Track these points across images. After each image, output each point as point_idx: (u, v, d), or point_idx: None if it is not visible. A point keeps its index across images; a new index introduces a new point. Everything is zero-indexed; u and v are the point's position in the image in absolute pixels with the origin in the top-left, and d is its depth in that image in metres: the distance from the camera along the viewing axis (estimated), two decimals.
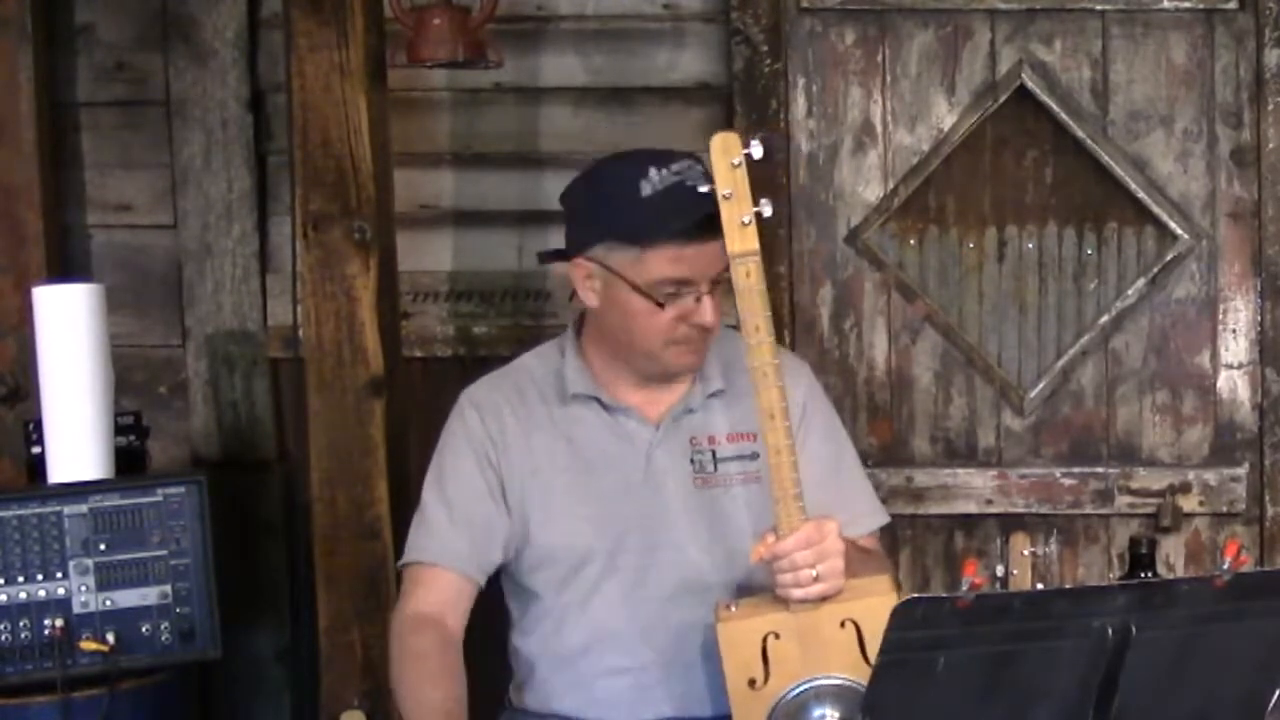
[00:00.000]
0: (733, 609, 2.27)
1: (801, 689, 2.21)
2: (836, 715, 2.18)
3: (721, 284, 2.38)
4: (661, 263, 2.35)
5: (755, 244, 2.19)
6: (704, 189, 2.31)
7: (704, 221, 2.31)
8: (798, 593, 2.22)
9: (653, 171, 2.38)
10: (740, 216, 2.18)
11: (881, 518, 2.59)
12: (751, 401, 2.51)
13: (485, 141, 3.28)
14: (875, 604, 2.16)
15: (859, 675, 2.15)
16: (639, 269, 2.37)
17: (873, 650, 2.11)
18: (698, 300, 2.37)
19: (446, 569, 2.47)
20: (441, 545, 2.48)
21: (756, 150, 2.18)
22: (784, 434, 2.22)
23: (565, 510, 2.47)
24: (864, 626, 2.19)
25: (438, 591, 2.47)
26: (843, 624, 2.20)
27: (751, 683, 2.22)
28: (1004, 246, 3.29)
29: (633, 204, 2.36)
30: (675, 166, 2.39)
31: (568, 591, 2.48)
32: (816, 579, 2.21)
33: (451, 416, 2.55)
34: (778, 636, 2.22)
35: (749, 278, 2.20)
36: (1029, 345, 3.30)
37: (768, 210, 2.19)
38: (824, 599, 2.21)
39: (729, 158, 2.18)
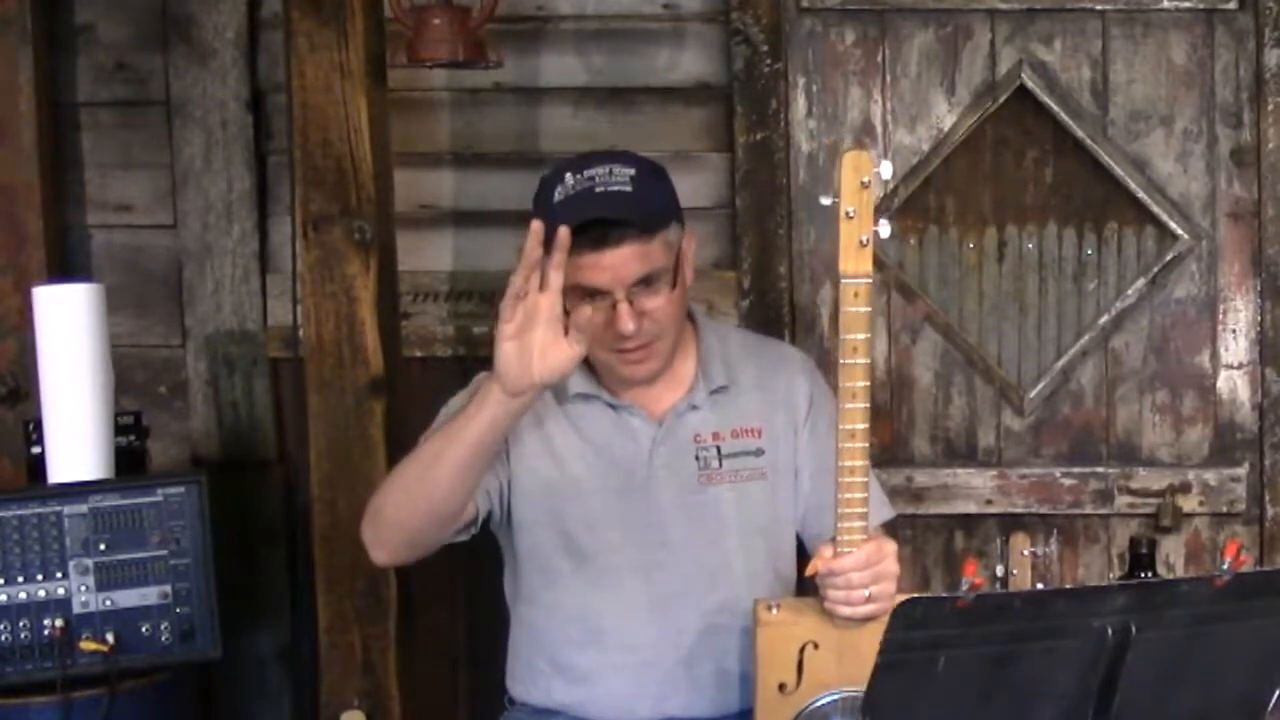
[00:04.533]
0: (774, 611, 2.26)
1: (829, 699, 2.22)
2: None
3: (656, 289, 2.36)
4: (568, 270, 2.28)
5: (869, 266, 2.14)
6: (613, 189, 2.31)
7: (606, 231, 2.30)
8: (846, 610, 2.23)
9: (568, 177, 2.37)
10: (859, 236, 2.13)
11: (887, 512, 2.60)
12: (755, 396, 2.53)
13: (485, 141, 3.28)
14: None
15: None
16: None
17: None
18: (614, 308, 2.35)
19: None
20: None
21: (886, 170, 2.15)
22: (861, 455, 2.20)
23: (576, 501, 2.47)
24: None
25: None
26: None
27: (781, 687, 2.23)
28: (1004, 246, 3.29)
29: (548, 211, 2.33)
30: (590, 171, 2.37)
31: (571, 585, 2.48)
32: (869, 599, 2.22)
33: (464, 390, 2.53)
34: (816, 646, 2.24)
35: (856, 298, 2.15)
36: (1029, 345, 3.30)
37: (885, 231, 2.14)
38: (870, 617, 2.22)
39: (859, 176, 2.12)
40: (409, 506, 2.33)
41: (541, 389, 2.25)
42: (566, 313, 2.37)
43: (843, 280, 2.15)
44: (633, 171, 2.39)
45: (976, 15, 3.23)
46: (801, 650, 2.23)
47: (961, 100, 3.24)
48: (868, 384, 2.19)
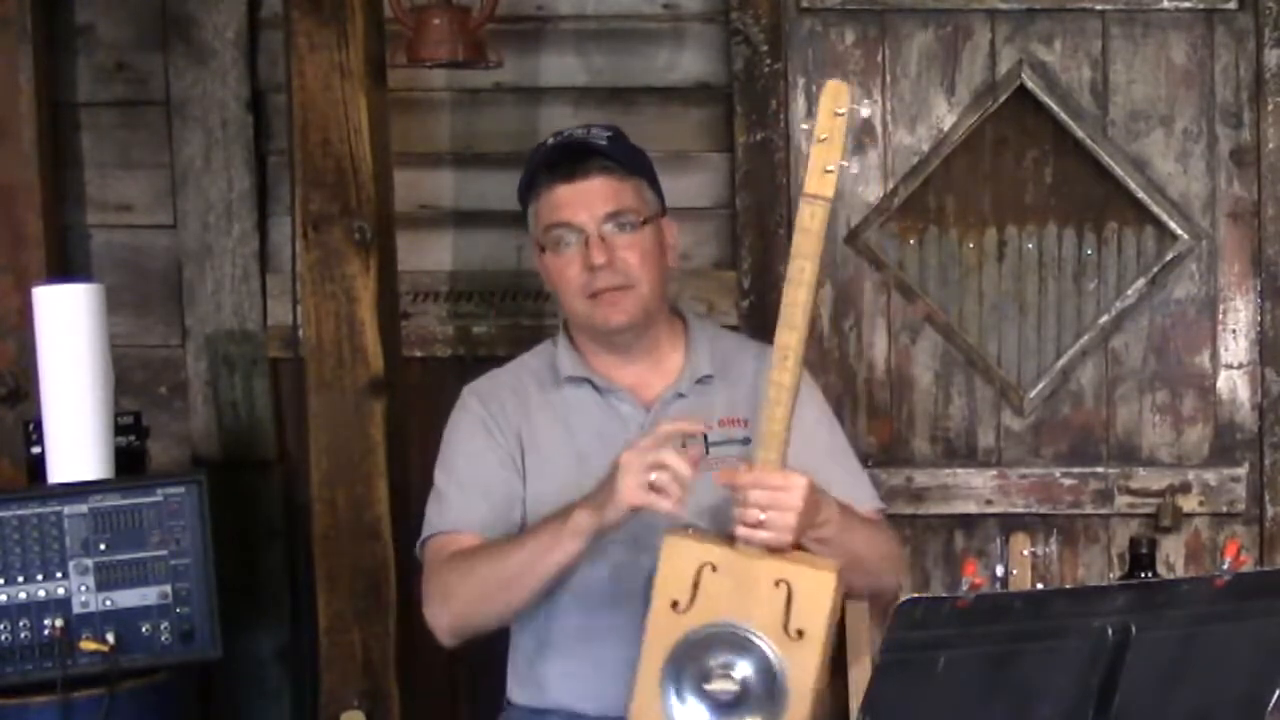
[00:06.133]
0: (689, 531, 2.28)
1: (715, 628, 2.21)
2: (736, 667, 2.18)
3: (628, 231, 2.45)
4: (543, 209, 2.48)
5: (830, 192, 2.19)
6: (590, 141, 2.47)
7: (578, 164, 2.45)
8: (741, 530, 2.23)
9: (549, 139, 2.54)
10: (826, 163, 2.19)
11: (875, 502, 2.60)
12: (743, 388, 2.56)
13: (485, 141, 3.28)
14: (814, 576, 2.19)
15: (775, 638, 2.18)
16: (535, 224, 2.51)
17: (797, 619, 2.17)
18: (588, 244, 2.44)
19: (467, 533, 2.48)
20: (459, 514, 2.50)
21: (864, 109, 2.23)
22: (791, 375, 2.21)
23: (560, 492, 2.48)
24: (796, 593, 2.19)
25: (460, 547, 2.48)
26: (778, 583, 2.20)
27: (675, 604, 2.23)
28: (1004, 246, 3.29)
29: (530, 167, 2.53)
30: (573, 129, 2.54)
31: (566, 578, 2.48)
32: (762, 524, 2.21)
33: (454, 409, 2.59)
34: (714, 569, 2.23)
35: (812, 219, 2.19)
36: (1029, 345, 3.30)
37: (854, 169, 2.24)
38: (770, 550, 2.21)
39: (835, 105, 2.19)
40: (488, 611, 2.45)
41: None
42: (542, 250, 2.50)
43: (803, 198, 2.20)
44: (611, 133, 2.53)
45: (976, 15, 3.23)
46: (700, 569, 2.23)
47: (961, 100, 3.24)
48: (809, 301, 2.20)
